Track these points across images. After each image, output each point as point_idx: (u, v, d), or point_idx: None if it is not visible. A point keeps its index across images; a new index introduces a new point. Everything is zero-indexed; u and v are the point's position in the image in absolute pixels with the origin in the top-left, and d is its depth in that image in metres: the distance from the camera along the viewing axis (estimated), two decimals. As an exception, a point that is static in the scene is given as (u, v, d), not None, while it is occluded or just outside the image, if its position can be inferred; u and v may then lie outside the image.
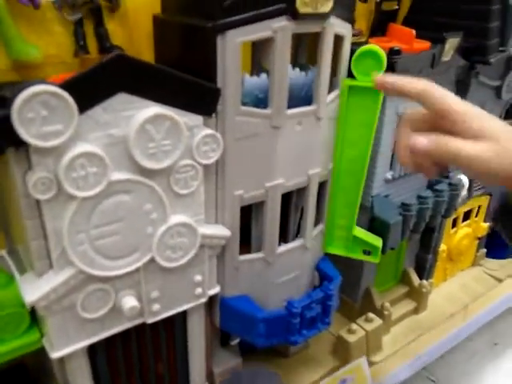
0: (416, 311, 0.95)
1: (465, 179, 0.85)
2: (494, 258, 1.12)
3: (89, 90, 0.42)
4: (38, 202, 0.44)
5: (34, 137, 0.40)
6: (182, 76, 0.47)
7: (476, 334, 1.09)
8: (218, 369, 0.74)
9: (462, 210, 0.95)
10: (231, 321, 0.66)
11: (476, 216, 1.01)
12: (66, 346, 0.51)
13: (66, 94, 0.40)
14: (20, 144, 0.40)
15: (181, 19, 0.53)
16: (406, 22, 0.83)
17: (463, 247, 1.00)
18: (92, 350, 0.55)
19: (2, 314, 0.51)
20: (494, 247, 1.10)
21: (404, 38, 0.73)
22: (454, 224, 0.97)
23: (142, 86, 0.45)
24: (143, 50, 0.59)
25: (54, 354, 0.51)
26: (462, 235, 0.99)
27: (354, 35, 0.76)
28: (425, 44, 0.72)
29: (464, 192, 0.86)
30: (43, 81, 0.40)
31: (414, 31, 0.71)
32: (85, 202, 0.45)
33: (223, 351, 0.77)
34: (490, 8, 0.72)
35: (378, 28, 0.82)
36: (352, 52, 0.61)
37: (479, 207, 1.00)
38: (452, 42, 0.69)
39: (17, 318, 0.52)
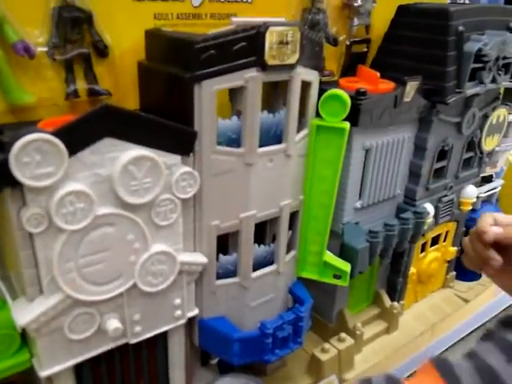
0: (387, 331, 1.00)
1: (430, 207, 0.91)
2: (463, 280, 1.18)
3: (78, 136, 0.47)
4: (30, 234, 0.49)
5: (28, 178, 0.45)
6: (161, 121, 0.53)
7: (449, 354, 1.13)
8: (197, 387, 0.78)
9: (430, 235, 1.01)
10: (209, 340, 0.71)
11: (444, 241, 1.07)
12: (54, 365, 0.55)
13: (57, 141, 0.45)
14: (16, 184, 0.45)
15: (162, 67, 0.59)
16: (375, 63, 0.90)
17: (432, 270, 1.06)
18: (78, 369, 0.60)
19: (-5, 336, 0.55)
20: (463, 270, 1.16)
21: (370, 79, 0.80)
22: (423, 248, 1.03)
23: (125, 131, 0.50)
24: (129, 93, 0.65)
25: (43, 373, 0.55)
26: (430, 259, 1.05)
27: (325, 76, 0.83)
28: (389, 85, 0.79)
29: (430, 219, 0.92)
30: (38, 129, 0.46)
31: (378, 74, 0.78)
32: (73, 234, 0.50)
33: (203, 370, 0.81)
34: (446, 54, 0.79)
35: (349, 68, 0.88)
36: (321, 93, 0.67)
37: (447, 232, 1.06)
38: (412, 85, 0.76)
39: (8, 340, 0.56)
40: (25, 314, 0.51)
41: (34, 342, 0.54)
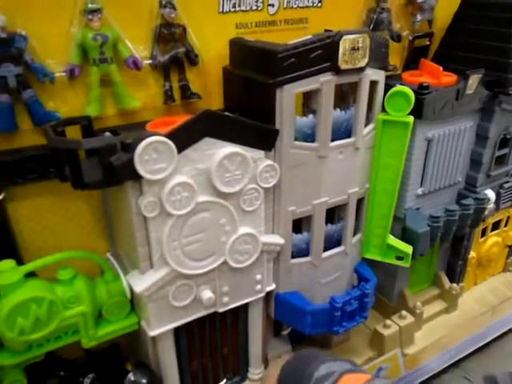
0: (447, 311, 1.05)
1: (491, 194, 0.95)
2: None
3: (184, 137, 0.57)
4: (145, 218, 0.59)
5: (147, 173, 0.55)
6: (250, 122, 0.61)
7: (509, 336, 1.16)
8: (271, 354, 0.88)
9: (490, 220, 1.05)
10: (284, 312, 0.80)
11: (505, 226, 1.10)
12: (160, 327, 0.66)
13: (170, 142, 0.55)
14: (137, 177, 0.56)
15: (246, 73, 0.67)
16: (437, 56, 0.94)
17: (492, 255, 1.09)
18: (176, 332, 0.71)
19: (112, 302, 0.67)
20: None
21: (433, 72, 0.85)
22: (484, 233, 1.07)
23: (221, 131, 0.59)
24: (215, 94, 0.74)
25: (152, 333, 0.66)
26: (491, 243, 1.08)
27: (389, 70, 0.88)
28: (452, 77, 0.83)
29: (491, 205, 0.96)
30: (154, 132, 0.55)
31: (441, 68, 0.83)
32: (179, 218, 0.60)
33: (276, 340, 0.91)
34: (510, 46, 0.82)
35: (412, 61, 0.93)
36: (386, 89, 0.73)
37: (508, 218, 1.09)
38: (475, 78, 0.80)
39: (121, 305, 0.68)
40: (139, 283, 0.62)
41: (145, 307, 0.65)
